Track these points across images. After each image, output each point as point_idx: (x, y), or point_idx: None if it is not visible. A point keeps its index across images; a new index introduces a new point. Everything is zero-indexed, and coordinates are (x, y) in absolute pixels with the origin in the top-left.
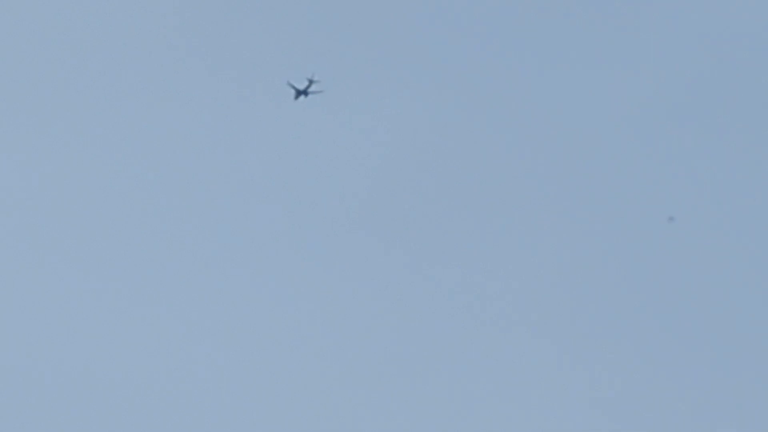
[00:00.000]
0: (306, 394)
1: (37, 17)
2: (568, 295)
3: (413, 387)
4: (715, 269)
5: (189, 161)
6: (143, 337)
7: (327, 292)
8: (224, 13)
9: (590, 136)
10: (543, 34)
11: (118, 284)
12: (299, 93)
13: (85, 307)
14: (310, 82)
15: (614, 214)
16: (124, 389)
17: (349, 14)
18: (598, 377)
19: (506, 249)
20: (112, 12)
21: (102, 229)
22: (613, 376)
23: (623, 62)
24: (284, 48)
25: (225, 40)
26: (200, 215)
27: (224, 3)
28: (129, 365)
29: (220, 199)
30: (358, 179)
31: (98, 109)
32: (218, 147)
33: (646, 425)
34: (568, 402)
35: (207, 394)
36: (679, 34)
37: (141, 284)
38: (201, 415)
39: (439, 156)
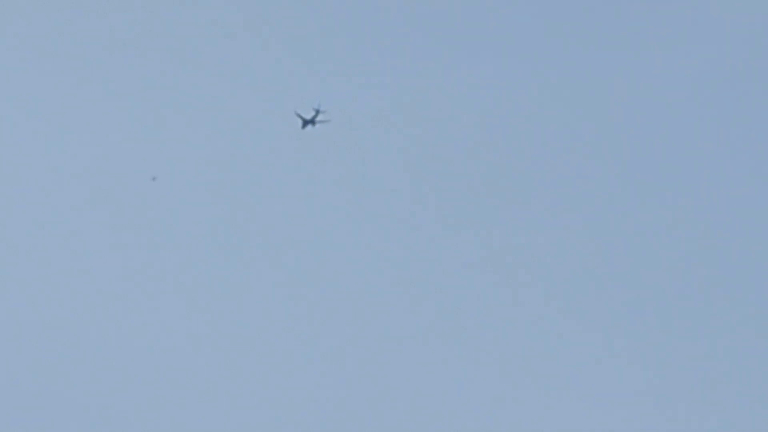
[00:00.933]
0: (329, 374)
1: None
2: (621, 271)
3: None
4: None
5: (195, 164)
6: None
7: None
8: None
9: (643, 112)
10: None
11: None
12: (306, 122)
13: (89, 294)
14: (317, 111)
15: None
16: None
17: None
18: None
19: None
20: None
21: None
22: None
23: (683, 35)
24: (292, 77)
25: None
26: (210, 210)
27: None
28: (133, 351)
29: (230, 194)
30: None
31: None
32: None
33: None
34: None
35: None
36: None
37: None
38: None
39: (477, 126)
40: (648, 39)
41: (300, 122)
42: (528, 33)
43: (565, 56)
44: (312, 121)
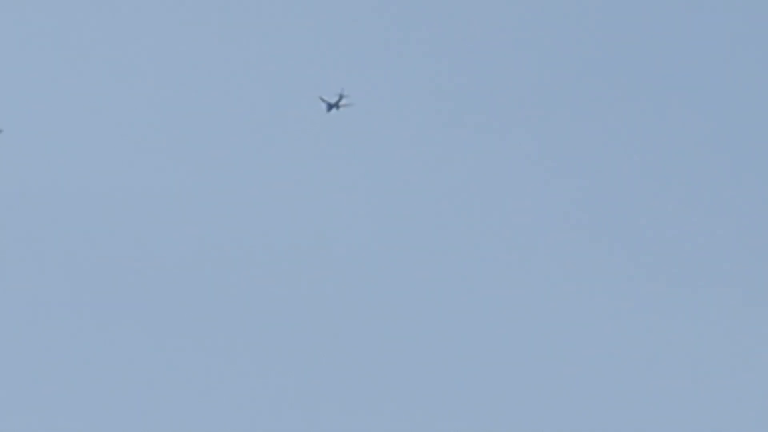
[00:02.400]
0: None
1: None
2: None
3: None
4: None
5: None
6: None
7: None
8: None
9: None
10: None
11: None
12: (331, 107)
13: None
14: (341, 96)
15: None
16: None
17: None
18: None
19: None
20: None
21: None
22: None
23: None
24: (315, 64)
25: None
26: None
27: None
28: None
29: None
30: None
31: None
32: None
33: None
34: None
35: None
36: None
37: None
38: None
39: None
40: None
41: (325, 106)
42: None
43: None
44: (336, 105)
